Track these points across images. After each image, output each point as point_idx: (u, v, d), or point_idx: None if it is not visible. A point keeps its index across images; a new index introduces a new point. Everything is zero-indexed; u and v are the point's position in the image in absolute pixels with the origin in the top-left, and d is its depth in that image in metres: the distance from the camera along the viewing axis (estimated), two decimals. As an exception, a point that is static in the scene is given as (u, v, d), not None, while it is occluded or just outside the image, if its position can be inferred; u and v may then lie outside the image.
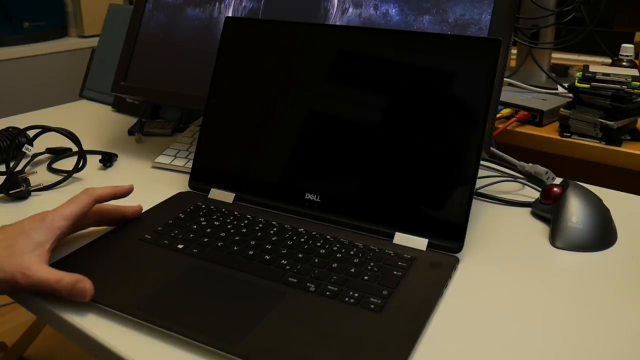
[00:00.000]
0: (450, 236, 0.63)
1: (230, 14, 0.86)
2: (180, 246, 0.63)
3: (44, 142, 0.89)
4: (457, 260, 0.62)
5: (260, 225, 0.67)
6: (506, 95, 1.18)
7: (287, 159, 0.72)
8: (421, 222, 0.65)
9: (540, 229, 0.71)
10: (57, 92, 2.07)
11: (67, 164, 0.88)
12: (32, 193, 0.79)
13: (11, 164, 0.83)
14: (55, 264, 0.59)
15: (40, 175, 0.84)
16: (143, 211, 0.71)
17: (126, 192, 0.68)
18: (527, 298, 0.57)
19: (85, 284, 0.54)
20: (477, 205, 0.77)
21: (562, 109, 1.07)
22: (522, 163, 0.87)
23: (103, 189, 0.65)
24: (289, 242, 0.64)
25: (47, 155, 0.92)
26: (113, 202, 0.67)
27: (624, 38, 1.29)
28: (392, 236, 0.65)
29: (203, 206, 0.72)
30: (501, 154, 0.92)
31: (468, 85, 0.65)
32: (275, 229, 0.67)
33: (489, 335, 0.52)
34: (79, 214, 0.61)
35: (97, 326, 0.52)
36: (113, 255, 0.62)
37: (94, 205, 0.63)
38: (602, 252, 0.66)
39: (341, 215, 0.68)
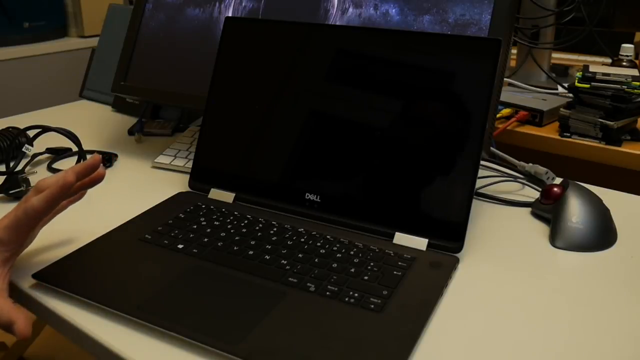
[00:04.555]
0: (450, 236, 0.63)
1: (230, 14, 0.86)
2: (180, 246, 0.63)
3: (44, 142, 0.89)
4: (457, 260, 0.62)
5: (260, 225, 0.67)
6: (506, 95, 1.18)
7: (287, 159, 0.72)
8: (421, 222, 0.65)
9: (540, 229, 0.71)
10: (57, 92, 2.08)
11: (67, 164, 0.88)
12: (32, 193, 0.79)
13: (11, 164, 0.83)
14: (55, 264, 0.59)
15: (40, 175, 0.84)
16: (143, 211, 0.71)
17: (91, 167, 0.59)
18: (527, 298, 0.57)
19: (18, 325, 0.52)
20: (477, 205, 0.77)
21: (562, 109, 1.07)
22: (522, 163, 0.87)
23: (39, 201, 0.55)
24: (289, 242, 0.64)
25: (47, 155, 0.92)
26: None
27: (624, 38, 1.29)
28: (392, 236, 0.65)
29: (203, 206, 0.72)
30: (501, 154, 0.92)
31: (468, 85, 0.65)
32: (275, 229, 0.67)
33: (489, 335, 0.52)
34: (17, 228, 0.55)
35: (97, 326, 0.52)
36: (113, 255, 0.62)
37: (40, 220, 0.57)
38: (602, 252, 0.66)
39: (341, 215, 0.68)
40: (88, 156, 0.87)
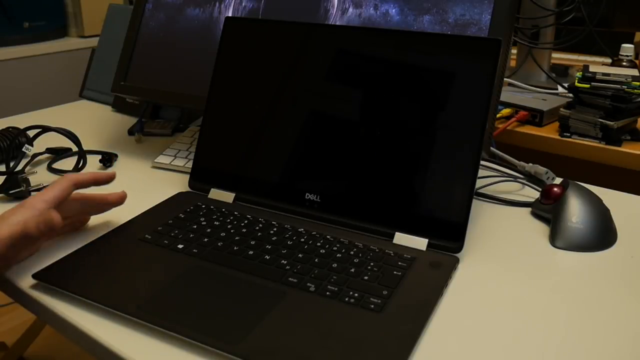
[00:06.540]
0: (450, 236, 0.63)
1: (230, 14, 0.86)
2: (180, 246, 0.63)
3: (44, 142, 0.89)
4: (457, 260, 0.62)
5: (260, 225, 0.67)
6: (506, 95, 1.18)
7: (287, 159, 0.72)
8: (421, 222, 0.65)
9: (540, 229, 0.71)
10: (57, 92, 2.08)
11: (67, 164, 0.88)
12: (32, 193, 0.78)
13: (11, 164, 0.83)
14: (55, 264, 0.59)
15: (40, 175, 0.84)
16: (143, 211, 0.71)
17: (107, 179, 0.69)
18: (527, 298, 0.57)
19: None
20: (477, 205, 0.77)
21: (562, 109, 1.07)
22: (522, 163, 0.87)
23: (82, 175, 0.66)
24: (289, 242, 0.64)
25: (47, 155, 0.92)
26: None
27: (624, 38, 1.29)
28: (392, 236, 0.65)
29: (203, 206, 0.72)
30: (501, 154, 0.92)
31: (468, 85, 0.65)
32: (275, 229, 0.67)
33: (489, 335, 0.52)
34: (58, 197, 0.62)
35: (97, 326, 0.52)
36: (113, 255, 0.62)
37: (73, 190, 0.64)
38: (602, 252, 0.66)
39: (341, 215, 0.68)
40: (88, 157, 0.87)
